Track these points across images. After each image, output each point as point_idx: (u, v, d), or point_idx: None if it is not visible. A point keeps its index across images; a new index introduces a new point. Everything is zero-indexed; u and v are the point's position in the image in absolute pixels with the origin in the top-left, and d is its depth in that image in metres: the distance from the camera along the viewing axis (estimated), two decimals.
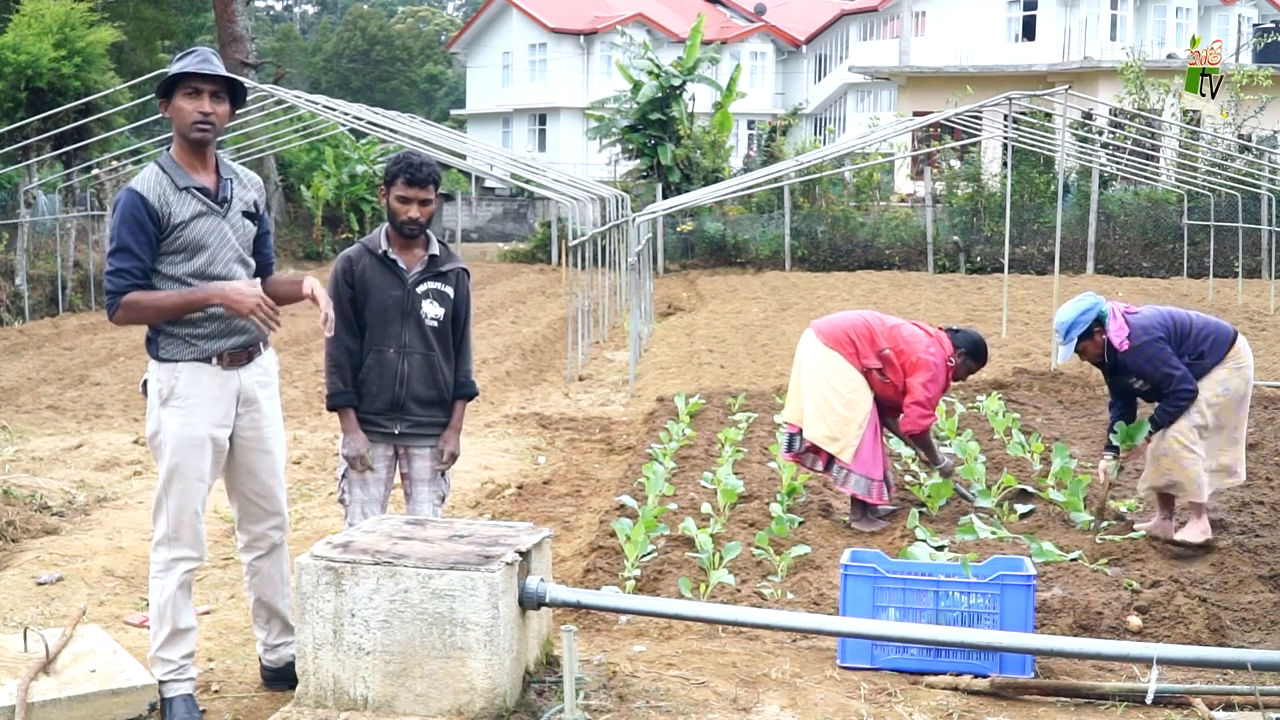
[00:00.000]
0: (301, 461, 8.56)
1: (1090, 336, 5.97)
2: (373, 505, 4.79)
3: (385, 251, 4.72)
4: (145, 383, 4.21)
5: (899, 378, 6.54)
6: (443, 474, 4.91)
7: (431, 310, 4.76)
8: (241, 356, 4.17)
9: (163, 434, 4.13)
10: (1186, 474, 5.85)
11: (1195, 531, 5.79)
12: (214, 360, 4.12)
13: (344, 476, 4.82)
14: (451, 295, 4.82)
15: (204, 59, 4.06)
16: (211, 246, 4.09)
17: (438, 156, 21.86)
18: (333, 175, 29.74)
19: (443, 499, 4.95)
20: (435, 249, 4.79)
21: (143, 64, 27.16)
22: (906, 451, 7.40)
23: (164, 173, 4.07)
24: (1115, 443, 6.23)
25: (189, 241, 4.05)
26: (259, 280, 4.22)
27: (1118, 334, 5.87)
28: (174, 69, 4.06)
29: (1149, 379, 5.95)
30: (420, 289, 4.74)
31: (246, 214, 4.22)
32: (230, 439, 4.24)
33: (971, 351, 6.71)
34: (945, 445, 8.14)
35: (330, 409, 4.81)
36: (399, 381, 4.72)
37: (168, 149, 4.20)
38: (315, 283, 4.23)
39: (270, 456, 4.34)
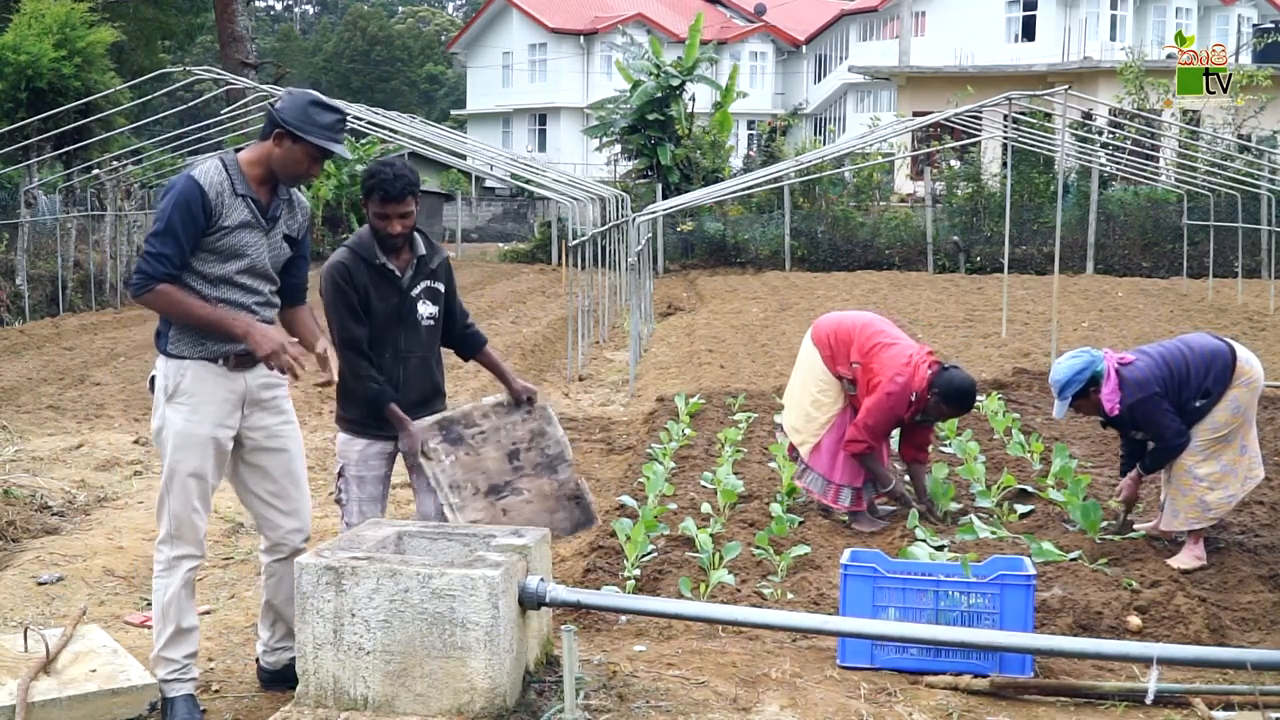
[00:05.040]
0: None
1: (1085, 395, 5.87)
2: (371, 505, 4.76)
3: (382, 263, 4.65)
4: (153, 379, 4.23)
5: (863, 395, 6.40)
6: None
7: (426, 310, 4.76)
8: (248, 359, 4.17)
9: (166, 430, 4.15)
10: (1186, 500, 5.84)
11: (1189, 558, 5.80)
12: (220, 361, 4.14)
13: (341, 475, 4.80)
14: (442, 289, 4.82)
15: (342, 131, 4.15)
16: (248, 257, 4.14)
17: (437, 157, 21.81)
18: (333, 175, 29.75)
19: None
20: (421, 248, 4.74)
21: (143, 64, 27.16)
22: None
23: (226, 172, 4.10)
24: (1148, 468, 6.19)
25: (228, 246, 4.09)
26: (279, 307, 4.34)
27: (1110, 398, 5.79)
28: (325, 139, 4.07)
29: (1145, 433, 5.96)
30: (414, 292, 4.72)
31: (287, 237, 4.27)
32: (240, 441, 4.25)
33: (946, 394, 6.23)
34: (945, 446, 8.15)
35: (378, 413, 4.67)
36: (395, 388, 4.70)
37: (236, 149, 4.23)
38: (328, 345, 4.30)
39: (285, 455, 4.34)
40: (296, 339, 4.36)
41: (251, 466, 4.30)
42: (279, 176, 4.16)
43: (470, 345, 5.00)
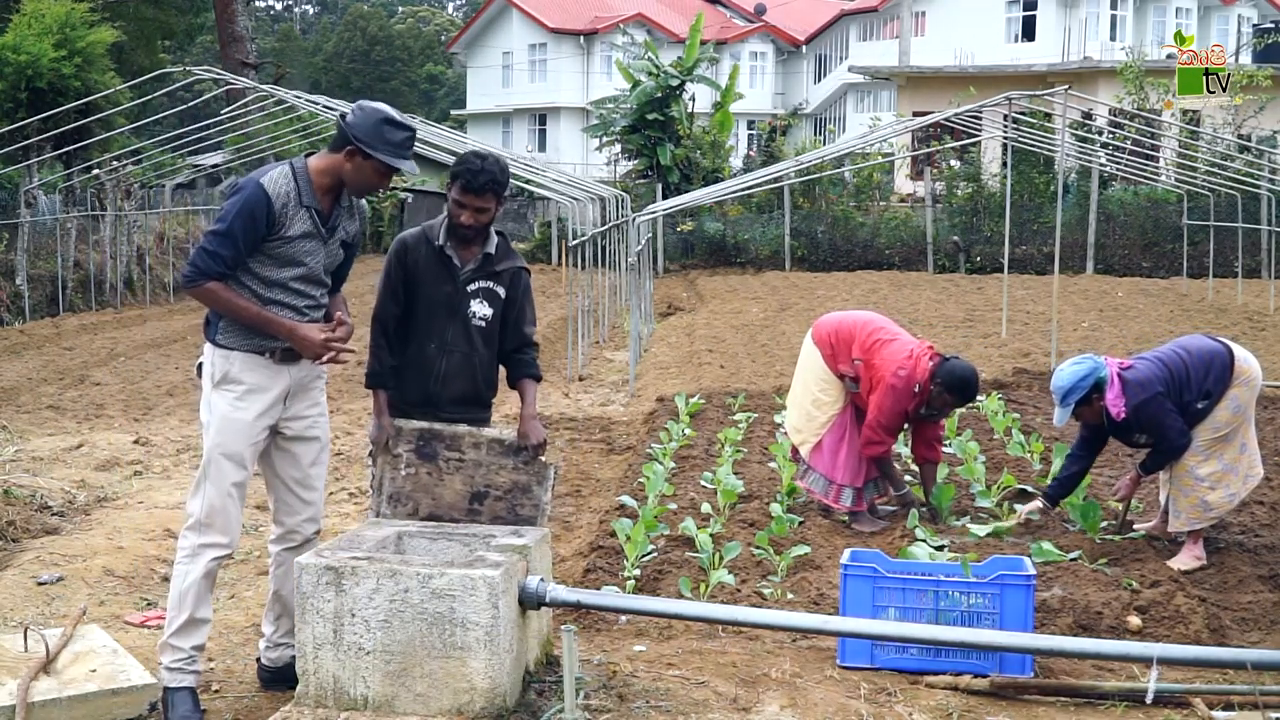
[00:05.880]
0: None
1: (1088, 403, 5.83)
2: None
3: (442, 246, 4.64)
4: (200, 366, 4.30)
5: (866, 392, 6.41)
6: None
7: (480, 310, 4.69)
8: (292, 353, 4.24)
9: (210, 415, 4.21)
10: (1188, 501, 5.84)
11: (1189, 558, 5.80)
12: (267, 354, 4.21)
13: (371, 455, 4.75)
14: (503, 295, 4.73)
15: (410, 148, 4.21)
16: (305, 266, 4.21)
17: (437, 157, 21.77)
18: None
19: None
20: (492, 247, 4.69)
21: (143, 64, 27.13)
22: (905, 451, 7.39)
23: (295, 181, 4.15)
24: (1051, 494, 6.20)
25: (287, 254, 4.17)
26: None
27: (1115, 404, 5.77)
28: (394, 156, 4.13)
29: (1150, 435, 5.92)
30: (470, 287, 4.67)
31: (344, 243, 4.34)
32: (278, 429, 4.30)
33: (949, 384, 6.24)
34: (946, 446, 8.14)
35: (366, 387, 4.75)
36: (435, 380, 4.69)
37: (306, 155, 4.26)
38: (343, 332, 4.28)
39: (316, 444, 4.40)
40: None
41: (284, 452, 4.36)
42: (349, 189, 4.23)
43: (515, 368, 4.85)
